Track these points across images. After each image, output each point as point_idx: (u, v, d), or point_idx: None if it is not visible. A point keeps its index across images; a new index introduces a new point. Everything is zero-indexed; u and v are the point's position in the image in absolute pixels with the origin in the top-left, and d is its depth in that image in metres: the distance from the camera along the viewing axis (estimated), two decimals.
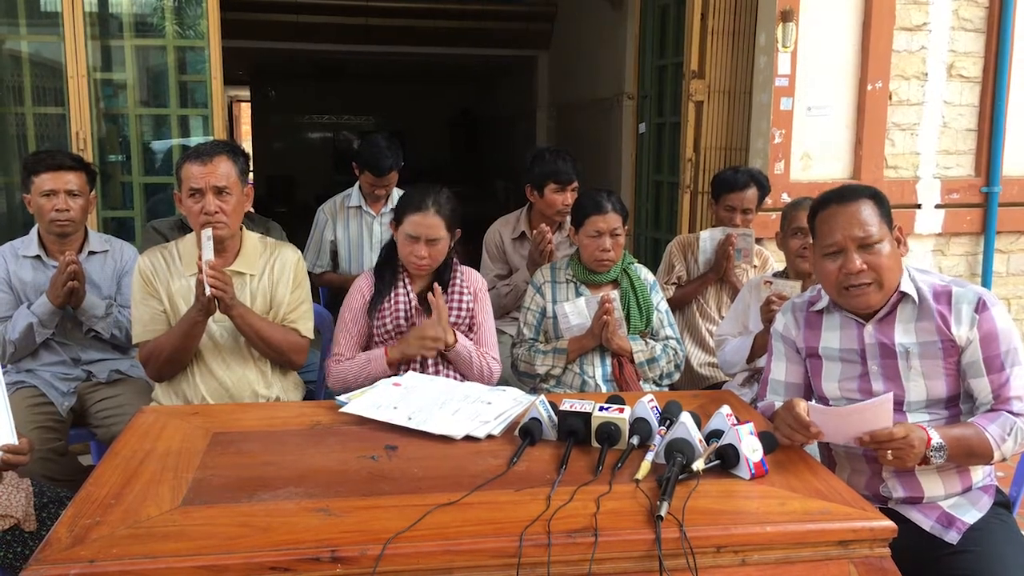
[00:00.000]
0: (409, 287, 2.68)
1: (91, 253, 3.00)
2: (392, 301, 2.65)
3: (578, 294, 2.85)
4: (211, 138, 4.00)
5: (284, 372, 2.72)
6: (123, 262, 3.05)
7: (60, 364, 2.95)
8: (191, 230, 3.28)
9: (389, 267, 2.71)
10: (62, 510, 1.58)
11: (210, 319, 2.50)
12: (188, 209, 2.53)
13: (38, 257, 2.94)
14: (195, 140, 4.20)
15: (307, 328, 2.69)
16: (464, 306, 2.70)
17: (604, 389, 2.74)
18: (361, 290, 2.71)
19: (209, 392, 2.58)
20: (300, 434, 2.01)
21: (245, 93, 14.46)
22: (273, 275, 2.65)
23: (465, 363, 2.63)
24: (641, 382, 2.81)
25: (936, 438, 1.85)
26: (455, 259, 2.75)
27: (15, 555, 2.00)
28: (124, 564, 1.38)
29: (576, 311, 2.78)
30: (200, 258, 2.41)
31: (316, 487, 1.69)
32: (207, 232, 2.42)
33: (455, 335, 2.60)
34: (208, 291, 2.38)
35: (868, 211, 1.99)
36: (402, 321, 2.63)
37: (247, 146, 13.40)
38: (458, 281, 2.72)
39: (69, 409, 2.90)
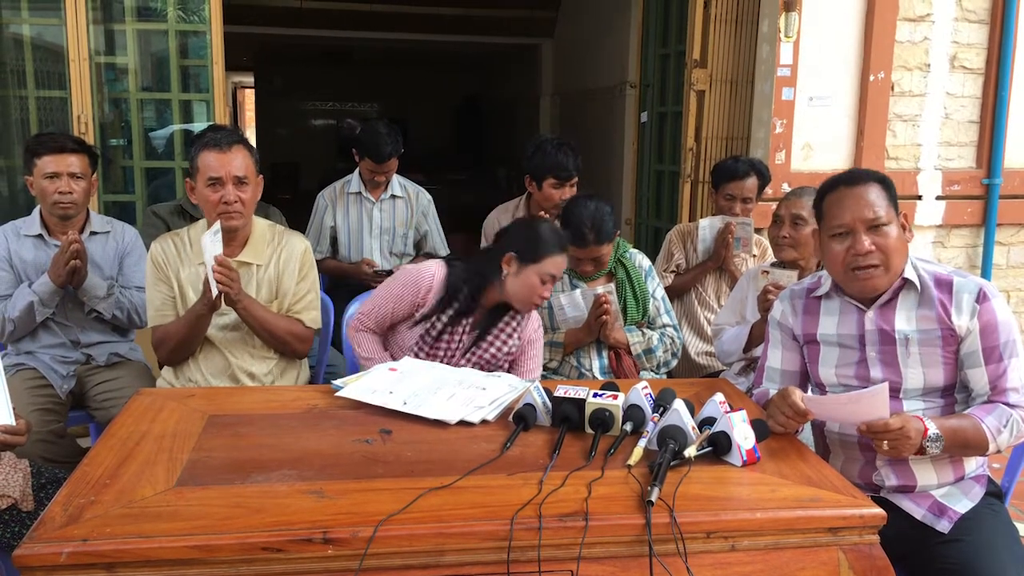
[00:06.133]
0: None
1: (93, 234, 3.01)
2: (458, 337, 2.50)
3: (573, 286, 2.86)
4: (212, 123, 4.00)
5: (289, 360, 2.72)
6: (124, 243, 3.06)
7: (59, 347, 2.96)
8: (191, 215, 3.32)
9: (469, 304, 2.48)
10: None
11: None
12: (205, 198, 2.50)
13: (40, 236, 2.94)
14: (198, 126, 4.20)
15: (311, 318, 2.68)
16: (505, 348, 2.54)
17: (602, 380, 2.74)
18: (422, 282, 2.48)
19: (214, 377, 2.60)
20: (296, 417, 2.02)
21: (249, 79, 14.44)
22: (279, 265, 2.64)
23: None
24: (639, 373, 2.82)
25: (933, 428, 1.86)
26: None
27: (12, 534, 2.02)
28: (117, 543, 1.39)
29: (572, 303, 2.79)
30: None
31: (310, 470, 1.70)
32: (215, 227, 2.40)
33: None
34: (215, 288, 2.38)
35: (876, 194, 1.99)
36: (457, 351, 2.51)
37: (251, 132, 13.40)
38: (514, 322, 2.55)
39: (68, 392, 2.92)
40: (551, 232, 2.47)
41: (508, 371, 2.55)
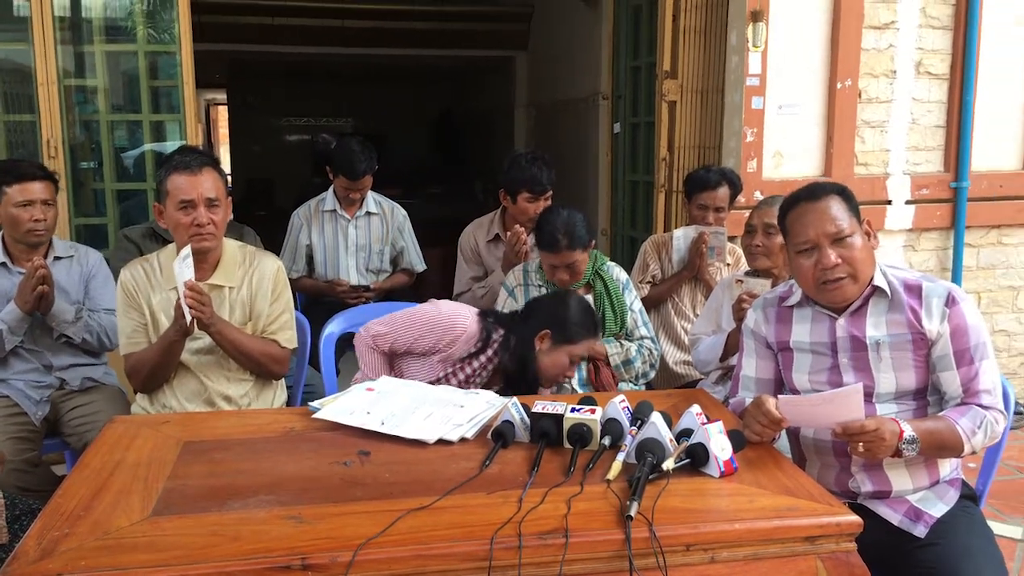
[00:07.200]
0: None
1: (57, 259, 2.98)
2: (481, 365, 2.56)
3: None
4: (184, 142, 3.98)
5: (266, 381, 2.71)
6: (89, 266, 3.03)
7: (32, 371, 2.93)
8: (162, 238, 3.29)
9: (514, 369, 2.52)
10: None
11: None
12: (176, 221, 2.48)
13: (3, 264, 2.91)
14: (170, 145, 4.17)
15: (287, 339, 2.67)
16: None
17: (581, 393, 2.75)
18: (453, 331, 2.49)
19: (189, 402, 2.57)
20: (273, 441, 2.01)
21: (222, 96, 14.37)
22: (252, 286, 2.62)
23: None
24: (618, 384, 2.83)
25: (909, 431, 1.88)
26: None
27: None
28: None
29: None
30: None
31: (288, 494, 1.68)
32: (184, 251, 2.38)
33: None
34: (188, 314, 2.36)
35: (837, 207, 2.02)
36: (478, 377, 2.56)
37: (225, 149, 13.30)
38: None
39: (43, 419, 2.88)
40: (585, 314, 2.53)
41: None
